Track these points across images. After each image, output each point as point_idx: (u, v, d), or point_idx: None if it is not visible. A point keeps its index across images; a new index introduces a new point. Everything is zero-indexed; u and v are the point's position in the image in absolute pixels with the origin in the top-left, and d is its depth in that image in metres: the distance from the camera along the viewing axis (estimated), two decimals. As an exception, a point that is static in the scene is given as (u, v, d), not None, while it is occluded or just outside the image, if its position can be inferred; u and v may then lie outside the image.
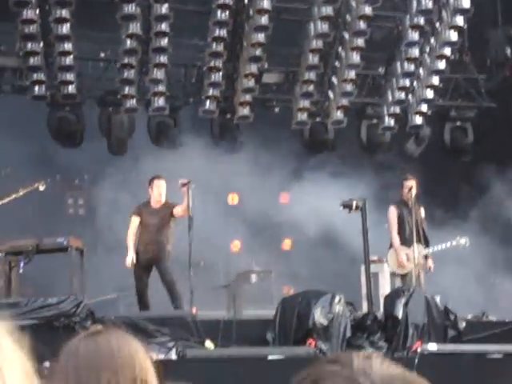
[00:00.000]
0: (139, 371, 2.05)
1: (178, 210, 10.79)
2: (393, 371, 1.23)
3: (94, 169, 14.93)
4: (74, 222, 15.21)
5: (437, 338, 9.95)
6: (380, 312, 10.43)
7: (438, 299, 10.41)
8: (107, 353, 2.06)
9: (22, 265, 10.80)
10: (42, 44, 12.89)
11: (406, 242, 11.50)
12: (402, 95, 14.36)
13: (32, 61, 12.95)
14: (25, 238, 11.34)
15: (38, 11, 12.59)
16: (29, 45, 12.84)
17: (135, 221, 10.95)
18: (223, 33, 13.29)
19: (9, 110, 13.57)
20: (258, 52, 13.51)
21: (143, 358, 2.10)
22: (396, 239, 11.53)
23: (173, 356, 8.94)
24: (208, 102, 13.97)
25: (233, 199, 16.58)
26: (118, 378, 2.03)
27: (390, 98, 14.45)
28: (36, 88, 13.18)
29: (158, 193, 10.88)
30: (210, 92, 13.85)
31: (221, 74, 13.71)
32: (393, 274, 11.89)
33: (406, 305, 10.04)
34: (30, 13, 12.51)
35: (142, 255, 10.90)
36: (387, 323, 10.06)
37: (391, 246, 11.62)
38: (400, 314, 9.97)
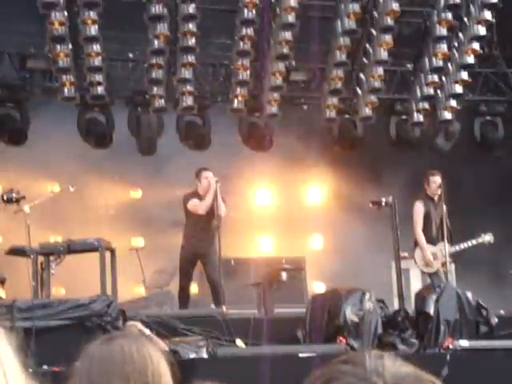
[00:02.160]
0: (152, 377, 2.06)
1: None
2: (405, 370, 1.24)
3: (123, 169, 15.01)
4: (105, 222, 15.29)
5: (469, 334, 9.89)
6: (411, 309, 10.40)
7: (469, 295, 10.35)
8: (119, 359, 2.08)
9: (53, 265, 10.88)
10: (70, 45, 12.97)
11: (431, 239, 11.41)
12: (431, 90, 14.29)
13: (61, 63, 13.03)
14: (56, 238, 11.44)
15: (66, 13, 12.67)
16: (58, 47, 12.92)
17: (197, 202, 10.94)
18: (250, 31, 13.30)
19: (39, 113, 13.67)
20: (286, 50, 13.50)
21: (157, 362, 2.10)
22: (421, 237, 11.42)
23: (204, 355, 8.97)
24: (236, 101, 13.99)
25: (262, 198, 16.59)
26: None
27: (419, 93, 14.38)
28: (65, 90, 13.26)
29: (207, 183, 10.92)
30: (238, 91, 13.86)
31: (248, 72, 13.72)
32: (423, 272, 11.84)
33: (437, 301, 10.00)
34: (58, 15, 12.59)
35: (191, 249, 10.91)
36: (418, 320, 10.03)
37: (416, 243, 11.52)
38: (431, 310, 9.93)
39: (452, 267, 11.62)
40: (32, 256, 10.65)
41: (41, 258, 10.82)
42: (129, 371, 2.05)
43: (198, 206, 10.87)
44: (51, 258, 10.85)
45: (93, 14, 12.69)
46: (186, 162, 13.44)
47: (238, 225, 14.79)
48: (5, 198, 10.85)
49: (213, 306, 10.89)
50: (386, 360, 1.25)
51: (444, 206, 11.29)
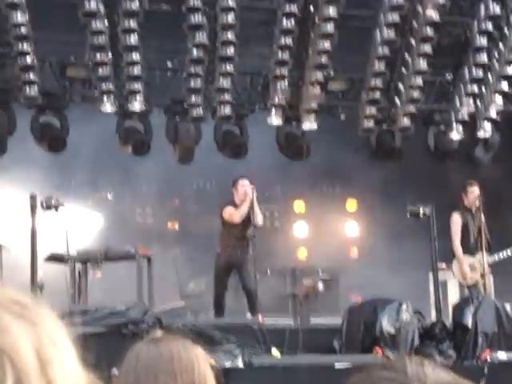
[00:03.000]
0: (198, 376, 2.08)
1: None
2: (445, 377, 1.24)
3: (161, 177, 15.09)
4: (142, 230, 15.37)
5: (507, 346, 9.79)
6: (449, 320, 10.32)
7: (508, 307, 10.25)
8: (167, 357, 2.09)
9: (91, 273, 10.95)
10: (110, 54, 13.06)
11: (469, 250, 11.33)
12: (471, 101, 14.20)
13: (101, 71, 13.13)
14: (93, 245, 11.52)
15: (106, 22, 12.78)
16: (98, 55, 13.03)
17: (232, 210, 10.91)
18: (289, 41, 13.31)
19: (79, 120, 13.79)
20: (324, 59, 13.49)
21: (203, 363, 2.12)
22: (459, 249, 11.36)
23: (239, 364, 8.96)
24: (274, 110, 14.00)
25: (299, 207, 16.58)
26: (177, 382, 2.05)
27: (458, 104, 14.30)
28: (105, 98, 13.35)
29: (243, 192, 10.93)
30: (276, 100, 13.87)
31: (286, 81, 13.73)
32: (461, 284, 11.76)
33: (475, 313, 9.91)
34: (98, 24, 12.70)
35: (226, 257, 10.93)
36: (456, 332, 9.94)
37: (454, 255, 11.46)
38: (469, 322, 9.84)
39: (490, 279, 11.52)
40: (70, 263, 10.72)
41: (78, 265, 10.89)
42: (176, 369, 2.07)
43: (234, 214, 10.88)
44: (89, 265, 10.92)
45: (133, 24, 12.78)
46: (222, 171, 13.47)
47: (273, 233, 14.78)
48: (44, 205, 10.93)
49: (248, 315, 10.89)
50: (427, 367, 1.25)
51: (482, 217, 11.21)
